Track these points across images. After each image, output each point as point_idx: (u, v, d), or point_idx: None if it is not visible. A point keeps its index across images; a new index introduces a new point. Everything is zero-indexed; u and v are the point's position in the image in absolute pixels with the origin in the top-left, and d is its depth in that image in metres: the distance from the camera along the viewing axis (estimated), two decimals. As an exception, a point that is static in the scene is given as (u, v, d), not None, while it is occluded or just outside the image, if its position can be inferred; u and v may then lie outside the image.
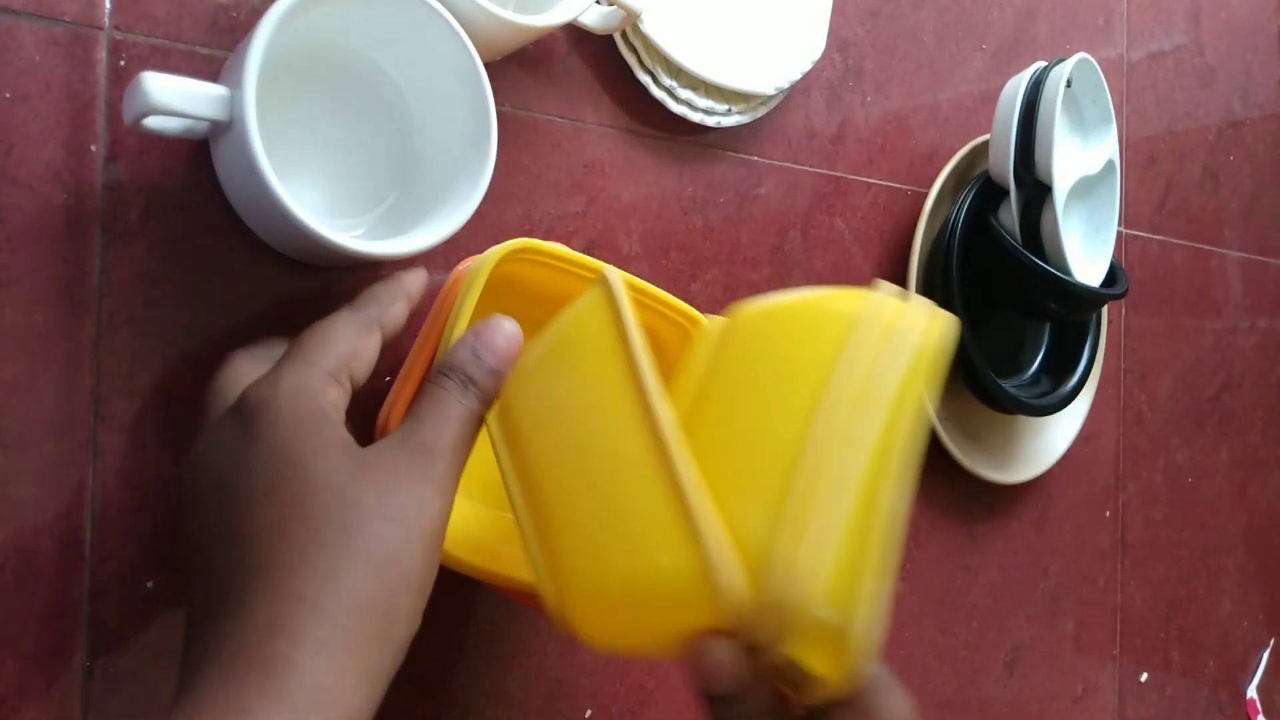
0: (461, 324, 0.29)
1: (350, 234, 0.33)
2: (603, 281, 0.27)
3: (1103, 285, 0.52)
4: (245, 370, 0.27)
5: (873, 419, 0.23)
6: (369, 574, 0.22)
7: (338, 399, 0.26)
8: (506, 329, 0.28)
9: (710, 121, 0.43)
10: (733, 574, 0.22)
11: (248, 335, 0.32)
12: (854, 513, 0.23)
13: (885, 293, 0.26)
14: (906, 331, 0.25)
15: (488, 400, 0.27)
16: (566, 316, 0.28)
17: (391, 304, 0.29)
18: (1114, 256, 0.54)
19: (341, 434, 0.25)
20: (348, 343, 0.27)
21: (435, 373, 0.27)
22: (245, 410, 0.25)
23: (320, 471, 0.23)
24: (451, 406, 0.26)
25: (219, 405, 0.27)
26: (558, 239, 0.40)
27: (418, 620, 0.24)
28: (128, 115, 0.27)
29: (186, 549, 0.25)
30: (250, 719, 0.19)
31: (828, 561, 0.22)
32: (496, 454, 0.28)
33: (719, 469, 0.24)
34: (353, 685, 0.21)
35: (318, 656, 0.21)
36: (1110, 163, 0.53)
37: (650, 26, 0.39)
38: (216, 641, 0.22)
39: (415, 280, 0.30)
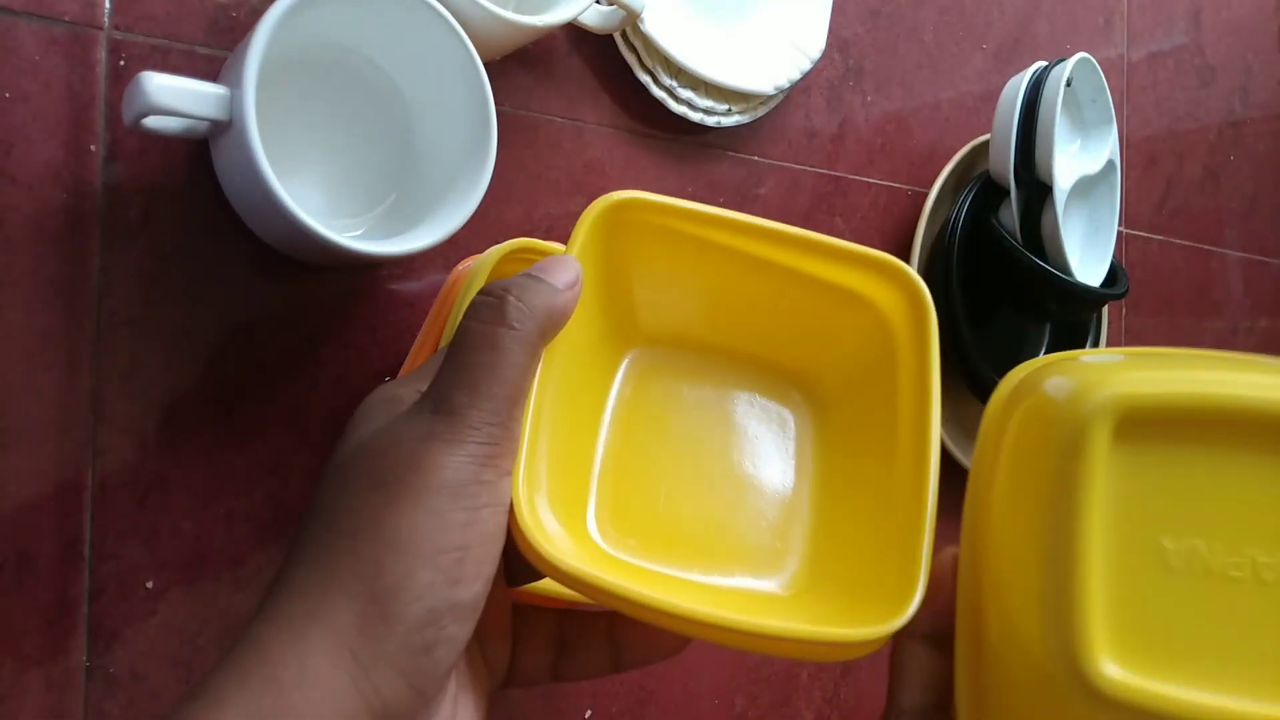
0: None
1: (350, 234, 0.33)
2: None
3: (1103, 285, 0.52)
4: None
5: None
6: (349, 548, 0.21)
7: (426, 386, 0.24)
8: (571, 258, 0.24)
9: (710, 121, 0.43)
10: None
11: (248, 335, 0.32)
12: None
13: None
14: None
15: (541, 326, 0.23)
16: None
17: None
18: (1114, 256, 0.54)
19: (392, 410, 0.23)
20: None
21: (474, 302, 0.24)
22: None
23: (349, 442, 0.23)
24: (490, 338, 0.22)
25: None
26: (558, 238, 0.40)
27: (445, 595, 0.21)
28: (127, 115, 0.27)
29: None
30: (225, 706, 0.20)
31: None
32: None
33: None
34: (328, 666, 0.20)
35: (281, 632, 0.21)
36: (1110, 162, 0.53)
37: (650, 26, 0.39)
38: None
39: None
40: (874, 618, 0.23)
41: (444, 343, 0.28)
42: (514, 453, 0.23)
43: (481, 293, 0.23)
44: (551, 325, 0.23)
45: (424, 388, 0.23)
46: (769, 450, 0.28)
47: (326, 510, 0.22)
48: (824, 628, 0.22)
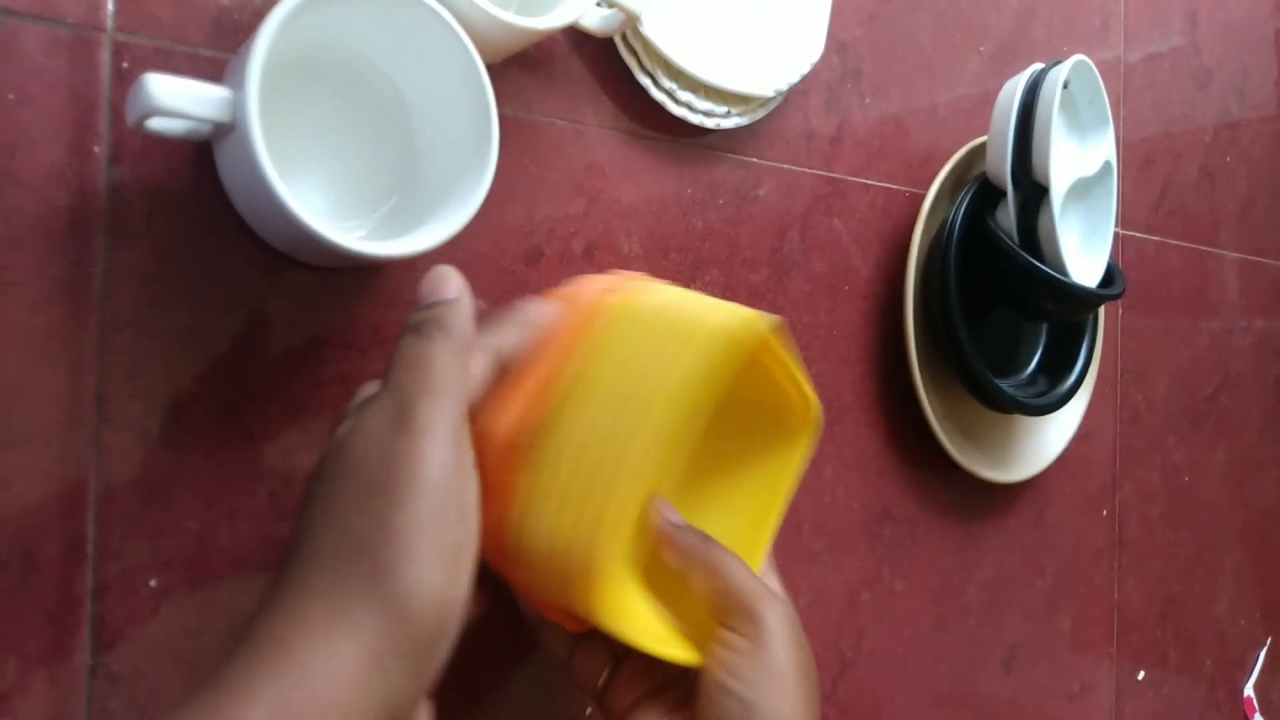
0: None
1: (352, 235, 0.33)
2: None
3: (1100, 286, 0.53)
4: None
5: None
6: (362, 554, 0.22)
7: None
8: (443, 268, 0.28)
9: (710, 123, 0.43)
10: None
11: (251, 335, 0.33)
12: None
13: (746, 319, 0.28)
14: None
15: (456, 336, 0.27)
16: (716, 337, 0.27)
17: (504, 329, 0.29)
18: (1111, 257, 0.54)
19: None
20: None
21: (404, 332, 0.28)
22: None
23: (334, 453, 0.25)
24: (418, 350, 0.26)
25: None
26: (559, 240, 0.40)
27: (450, 593, 0.23)
28: (131, 117, 0.27)
29: None
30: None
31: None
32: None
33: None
34: (353, 667, 0.21)
35: (307, 634, 0.22)
36: (1107, 164, 0.53)
37: (650, 29, 0.40)
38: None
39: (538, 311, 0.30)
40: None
41: (564, 387, 0.28)
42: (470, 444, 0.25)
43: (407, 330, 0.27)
44: (462, 334, 0.27)
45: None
46: None
47: (329, 516, 0.24)
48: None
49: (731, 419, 0.32)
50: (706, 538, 0.31)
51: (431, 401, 0.24)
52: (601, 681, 0.32)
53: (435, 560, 0.22)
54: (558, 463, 0.26)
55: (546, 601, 0.29)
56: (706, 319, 0.27)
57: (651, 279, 0.31)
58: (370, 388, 0.28)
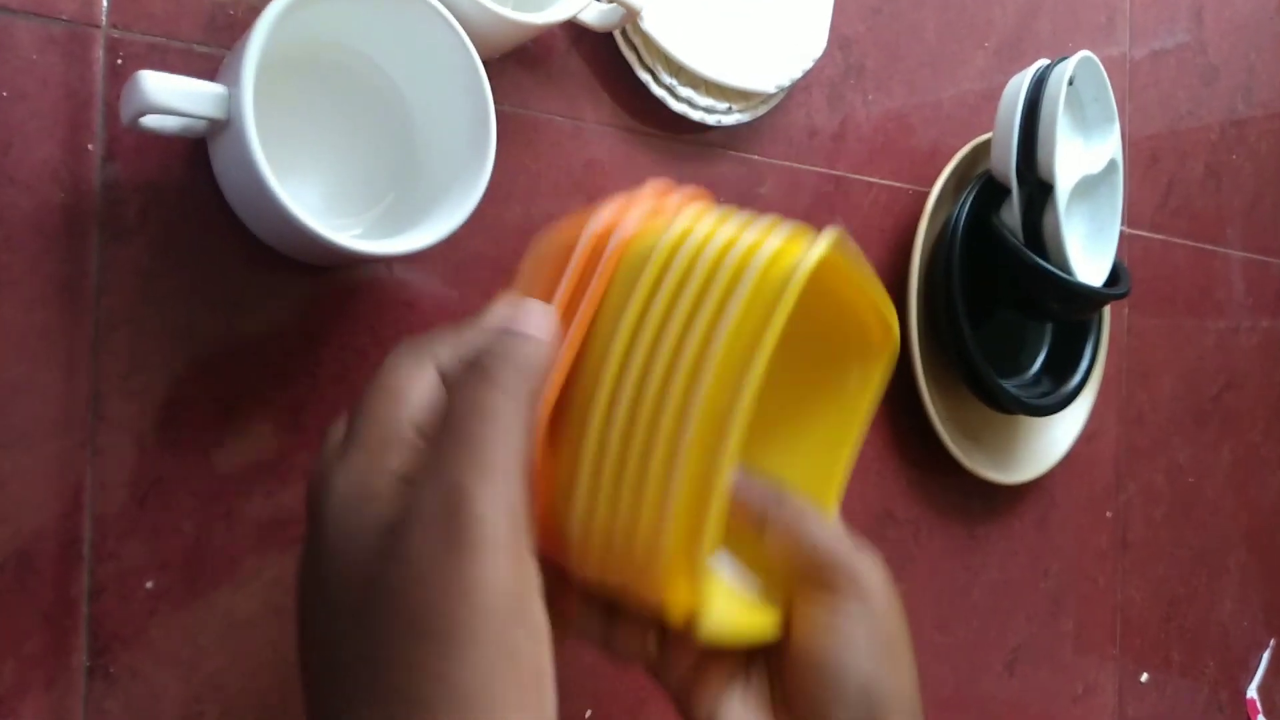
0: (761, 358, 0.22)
1: (348, 233, 0.33)
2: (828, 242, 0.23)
3: (1105, 285, 0.52)
4: (331, 452, 0.22)
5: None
6: (363, 687, 0.18)
7: (397, 463, 0.21)
8: (535, 303, 0.23)
9: (711, 120, 0.42)
10: None
11: (247, 334, 0.32)
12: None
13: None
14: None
15: (532, 386, 0.21)
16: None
17: (453, 338, 0.24)
18: (1116, 256, 0.53)
19: (378, 513, 0.20)
20: (395, 397, 0.21)
21: (460, 373, 0.22)
22: (310, 509, 0.22)
23: (349, 569, 0.19)
24: (480, 401, 0.20)
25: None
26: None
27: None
28: (125, 114, 0.27)
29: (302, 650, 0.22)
30: None
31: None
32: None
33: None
34: None
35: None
36: (1113, 161, 0.53)
37: (650, 24, 0.39)
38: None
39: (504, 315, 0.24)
40: None
41: (589, 318, 0.23)
42: (531, 529, 0.20)
43: (466, 363, 0.22)
44: (540, 382, 0.22)
45: (393, 465, 0.20)
46: None
47: (366, 664, 0.18)
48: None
49: (792, 350, 0.26)
50: (780, 490, 0.27)
51: (493, 490, 0.19)
52: (653, 649, 0.26)
53: (514, 703, 0.18)
54: (603, 440, 0.22)
55: (600, 584, 0.24)
56: (754, 255, 0.23)
57: (681, 202, 0.27)
58: (341, 431, 0.22)
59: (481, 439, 0.20)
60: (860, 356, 0.29)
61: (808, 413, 0.29)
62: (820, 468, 0.29)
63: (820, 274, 0.23)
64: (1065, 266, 0.49)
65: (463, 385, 0.21)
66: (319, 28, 0.31)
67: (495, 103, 0.31)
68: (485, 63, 0.31)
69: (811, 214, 0.48)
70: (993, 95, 0.55)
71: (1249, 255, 0.76)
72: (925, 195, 0.51)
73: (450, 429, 0.20)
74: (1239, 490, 0.74)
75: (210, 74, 0.31)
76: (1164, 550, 0.68)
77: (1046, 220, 0.50)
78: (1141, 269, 0.67)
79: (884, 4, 0.51)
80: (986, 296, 0.52)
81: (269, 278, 0.33)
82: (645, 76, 0.41)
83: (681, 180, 0.43)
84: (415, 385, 0.22)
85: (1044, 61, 0.50)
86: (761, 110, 0.44)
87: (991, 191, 0.51)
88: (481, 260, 0.38)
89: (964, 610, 0.55)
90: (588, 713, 0.40)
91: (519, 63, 0.38)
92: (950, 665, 0.54)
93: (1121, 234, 0.64)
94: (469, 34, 0.31)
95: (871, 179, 0.51)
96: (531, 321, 0.22)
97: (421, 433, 0.21)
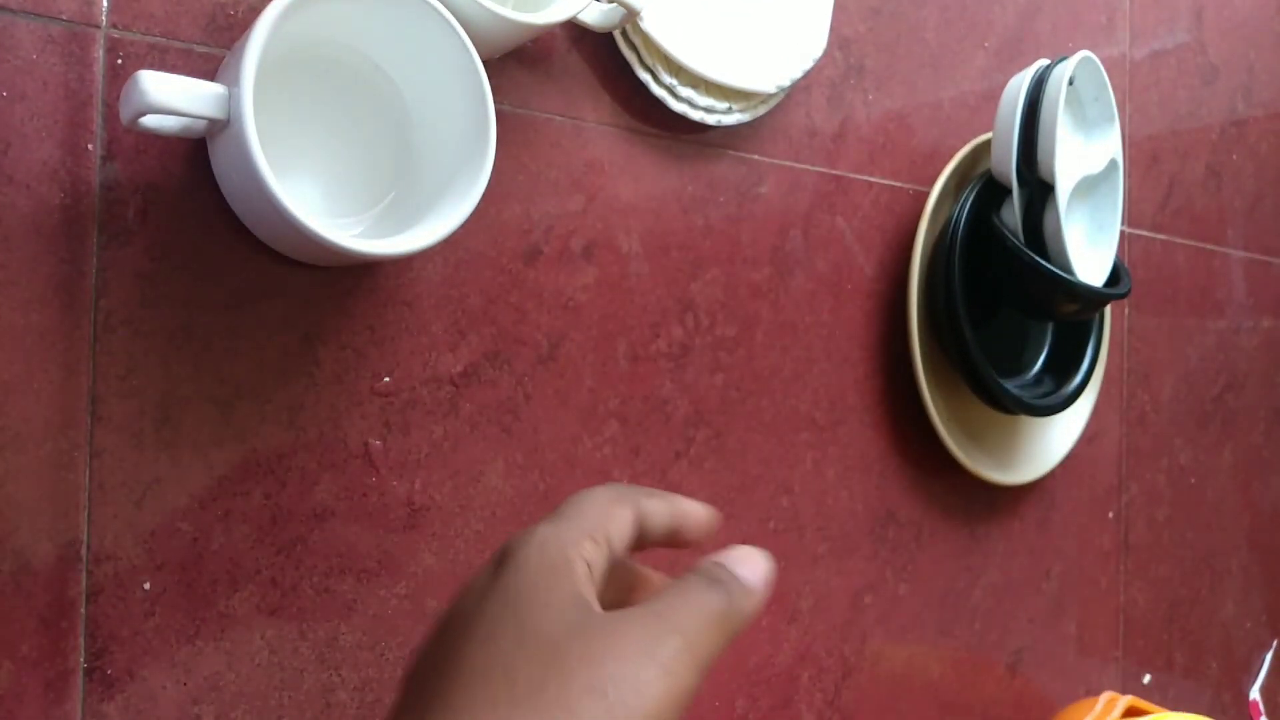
0: None
1: (348, 233, 0.33)
2: None
3: (1106, 285, 0.52)
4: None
5: None
6: None
7: (592, 554, 0.24)
8: (758, 555, 0.26)
9: (711, 120, 0.42)
10: None
11: (246, 334, 0.32)
12: None
13: None
14: None
15: (742, 609, 0.24)
16: None
17: (652, 497, 0.27)
18: (1117, 256, 0.53)
19: (579, 589, 0.23)
20: (602, 506, 0.26)
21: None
22: (501, 554, 0.24)
23: (539, 624, 0.22)
24: (701, 595, 0.24)
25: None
26: (557, 238, 0.40)
27: None
28: (125, 114, 0.27)
29: (410, 666, 0.25)
30: None
31: None
32: None
33: None
34: None
35: None
36: (1113, 161, 0.53)
37: (650, 24, 0.39)
38: None
39: (693, 510, 0.28)
40: None
41: None
42: None
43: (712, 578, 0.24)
44: (738, 629, 0.24)
45: (588, 554, 0.24)
46: None
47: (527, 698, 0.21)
48: None
49: None
50: None
51: (666, 687, 0.21)
52: None
53: None
54: None
55: None
56: None
57: None
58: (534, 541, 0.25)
59: (696, 637, 0.22)
60: None
61: None
62: None
63: None
64: (1066, 266, 0.49)
65: (709, 580, 0.24)
66: (319, 28, 0.31)
67: (495, 102, 0.31)
68: (485, 62, 0.31)
69: (811, 214, 0.48)
70: (993, 95, 0.55)
71: (1250, 255, 0.76)
72: (925, 195, 0.51)
73: (676, 607, 0.23)
74: (1241, 491, 0.74)
75: (210, 74, 0.31)
76: (1166, 551, 0.68)
77: (1047, 220, 0.50)
78: (1142, 269, 0.67)
79: (884, 4, 0.51)
80: (987, 297, 0.51)
81: (268, 277, 0.33)
82: (645, 76, 0.41)
83: (681, 180, 0.43)
84: (619, 511, 0.26)
85: (1044, 61, 0.50)
86: (761, 110, 0.44)
87: (992, 191, 0.51)
88: (481, 260, 0.38)
89: (965, 612, 0.55)
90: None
91: (519, 62, 0.38)
92: (952, 668, 0.54)
93: (1122, 234, 0.64)
94: (469, 34, 0.31)
95: (872, 179, 0.51)
96: (760, 569, 0.25)
97: (613, 549, 0.25)
